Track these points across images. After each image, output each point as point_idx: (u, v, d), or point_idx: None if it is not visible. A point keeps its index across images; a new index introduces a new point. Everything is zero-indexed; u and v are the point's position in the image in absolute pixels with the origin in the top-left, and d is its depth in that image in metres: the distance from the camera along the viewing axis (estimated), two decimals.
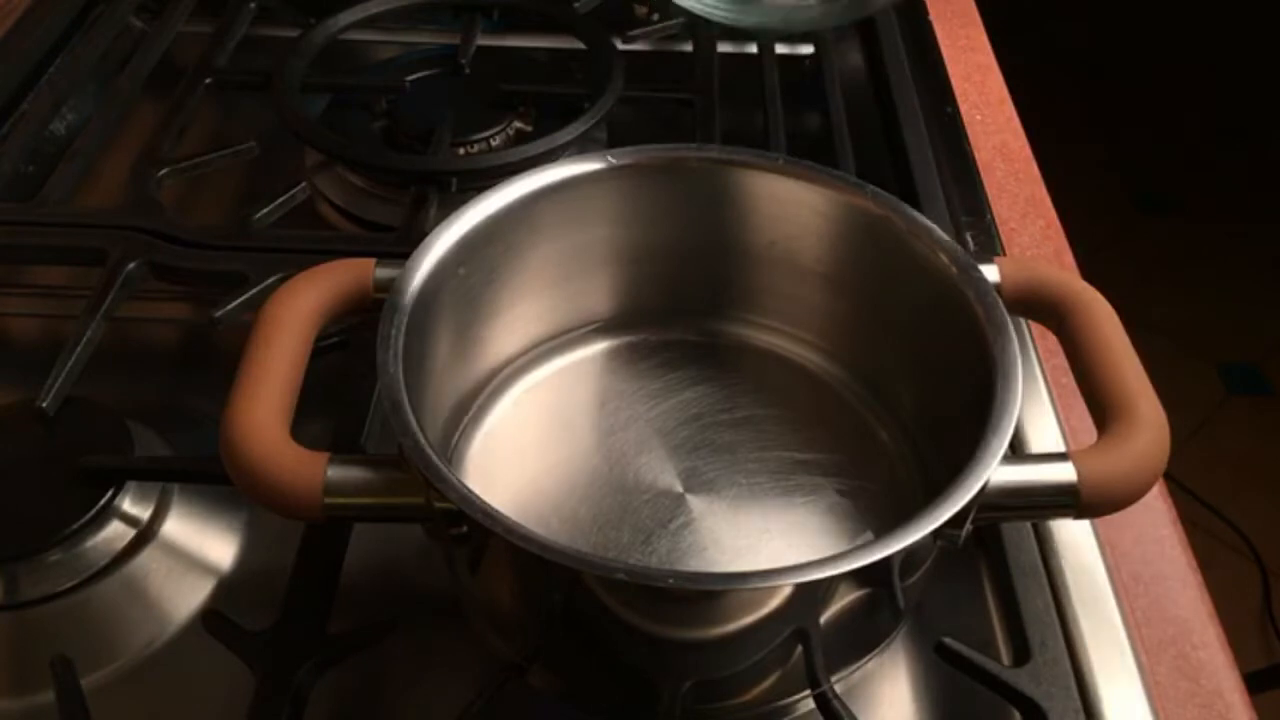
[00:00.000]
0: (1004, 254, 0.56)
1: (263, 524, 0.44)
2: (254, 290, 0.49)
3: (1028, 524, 0.43)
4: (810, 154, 0.45)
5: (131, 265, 0.51)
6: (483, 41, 0.69)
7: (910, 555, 0.33)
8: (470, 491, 0.32)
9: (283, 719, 0.36)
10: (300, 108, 0.60)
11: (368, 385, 0.46)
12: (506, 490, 0.42)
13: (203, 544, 0.44)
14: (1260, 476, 1.50)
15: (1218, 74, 2.22)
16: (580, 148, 0.58)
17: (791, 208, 0.44)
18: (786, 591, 0.32)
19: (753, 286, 0.48)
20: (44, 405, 0.45)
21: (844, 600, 0.35)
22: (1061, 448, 0.46)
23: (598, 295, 0.48)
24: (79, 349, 0.47)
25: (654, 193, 0.45)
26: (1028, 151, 0.65)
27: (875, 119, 0.66)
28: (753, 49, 0.72)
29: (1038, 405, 0.48)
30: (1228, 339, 1.70)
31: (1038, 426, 0.47)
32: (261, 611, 0.38)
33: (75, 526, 0.41)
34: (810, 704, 0.38)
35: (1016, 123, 0.67)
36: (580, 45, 0.68)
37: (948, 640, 0.39)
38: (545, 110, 0.63)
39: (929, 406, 0.43)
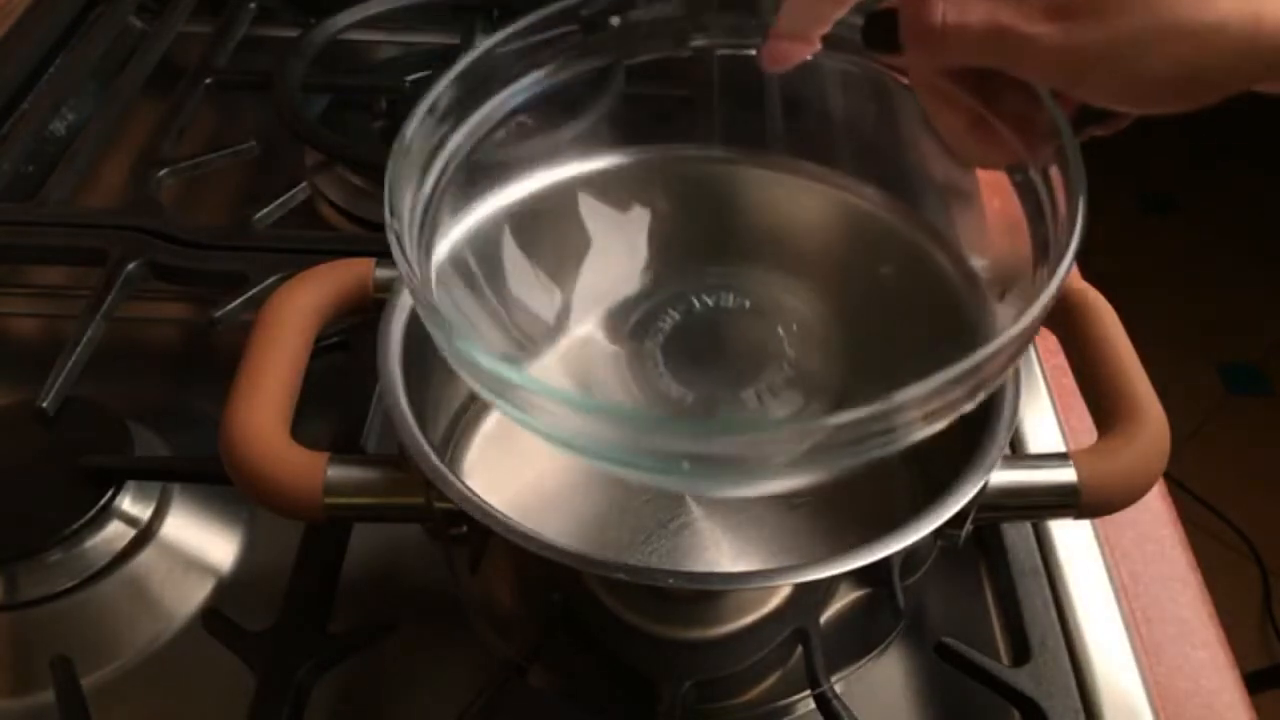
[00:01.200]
0: None
1: (263, 524, 0.44)
2: (254, 290, 0.49)
3: (1028, 524, 0.43)
4: (810, 154, 0.45)
5: (131, 265, 0.51)
6: None
7: (910, 555, 0.33)
8: (470, 491, 0.32)
9: (283, 719, 0.36)
10: (300, 108, 0.60)
11: (368, 385, 0.46)
12: (506, 490, 0.42)
13: (203, 544, 0.44)
14: (1260, 477, 1.50)
15: None
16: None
17: (791, 207, 0.44)
18: (786, 591, 0.32)
19: (753, 286, 0.47)
20: (44, 405, 0.45)
21: (844, 600, 0.35)
22: (1061, 448, 0.46)
23: (597, 294, 0.48)
24: (79, 349, 0.47)
25: (654, 192, 0.45)
26: None
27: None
28: (752, 50, 0.72)
29: (1038, 405, 0.48)
30: (1228, 339, 1.70)
31: (1038, 426, 0.47)
32: (261, 611, 0.38)
33: (75, 526, 0.41)
34: (810, 704, 0.38)
35: None
36: None
37: (948, 640, 0.39)
38: None
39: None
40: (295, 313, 0.37)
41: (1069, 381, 0.40)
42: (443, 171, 0.37)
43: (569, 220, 0.44)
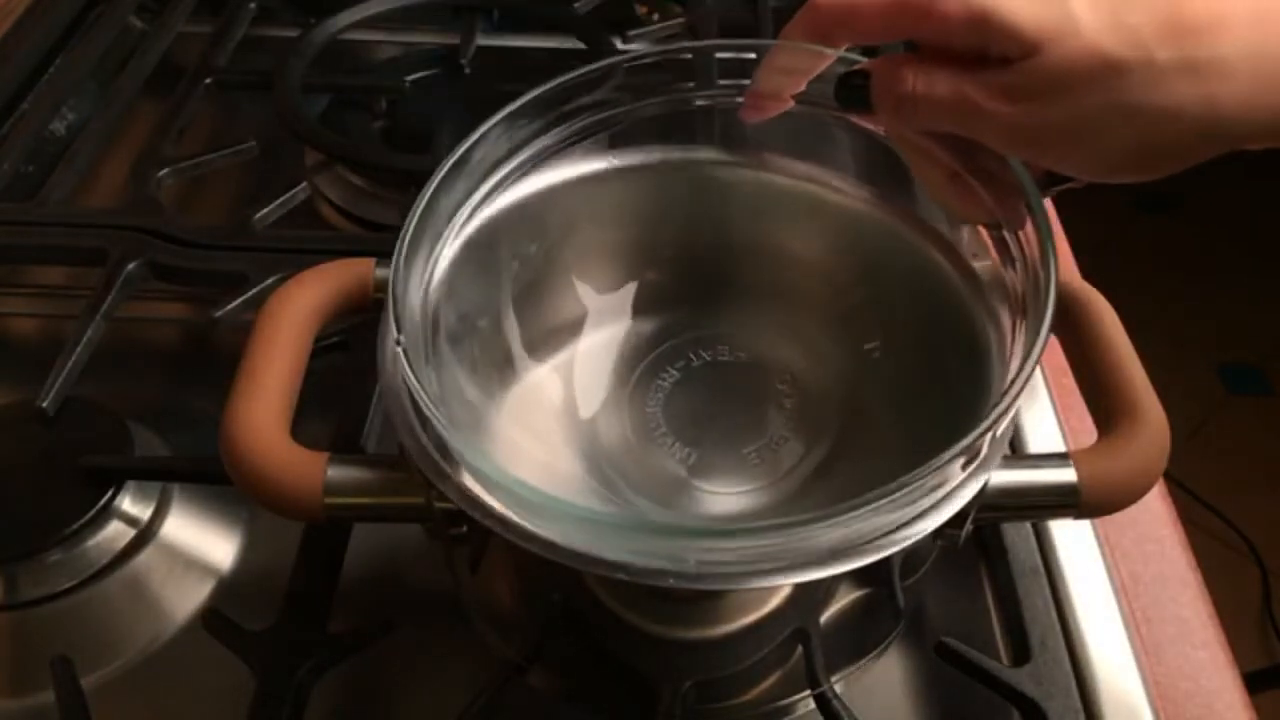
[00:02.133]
0: None
1: (263, 524, 0.44)
2: (254, 290, 0.49)
3: (1028, 524, 0.43)
4: (809, 154, 0.45)
5: (131, 265, 0.51)
6: (483, 41, 0.69)
7: (910, 555, 0.33)
8: (470, 491, 0.32)
9: (283, 719, 0.36)
10: (300, 108, 0.60)
11: (368, 385, 0.46)
12: None
13: (203, 544, 0.44)
14: (1260, 477, 1.50)
15: None
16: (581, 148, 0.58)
17: (792, 207, 0.44)
18: (786, 591, 0.32)
19: (753, 285, 0.48)
20: (44, 405, 0.45)
21: (844, 600, 0.35)
22: (1062, 448, 0.46)
23: (597, 295, 0.48)
24: (79, 349, 0.47)
25: (654, 192, 0.45)
26: None
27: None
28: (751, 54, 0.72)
29: (1038, 405, 0.48)
30: (1228, 339, 1.70)
31: (1038, 426, 0.47)
32: (261, 611, 0.38)
33: (75, 526, 0.41)
34: (810, 704, 0.38)
35: None
36: (580, 45, 0.68)
37: (948, 640, 0.39)
38: None
39: (929, 404, 0.43)
40: (295, 313, 0.37)
41: (1069, 381, 0.40)
42: (444, 257, 0.38)
43: (561, 278, 0.45)
